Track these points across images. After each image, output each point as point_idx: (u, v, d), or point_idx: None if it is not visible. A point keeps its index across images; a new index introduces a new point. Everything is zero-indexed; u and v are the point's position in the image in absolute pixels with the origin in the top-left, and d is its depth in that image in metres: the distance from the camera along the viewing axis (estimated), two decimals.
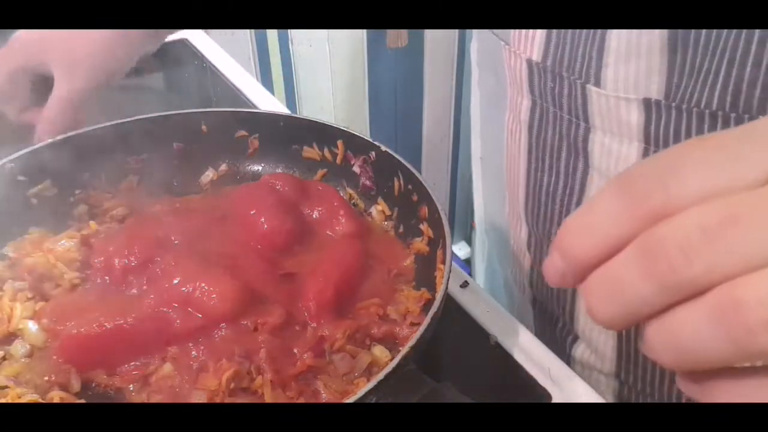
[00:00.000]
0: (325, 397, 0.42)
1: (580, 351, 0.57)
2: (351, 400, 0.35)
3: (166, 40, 0.95)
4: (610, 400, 0.53)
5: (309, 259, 0.51)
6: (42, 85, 0.59)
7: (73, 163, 0.56)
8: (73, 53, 0.57)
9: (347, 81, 1.45)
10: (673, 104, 0.40)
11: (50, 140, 0.54)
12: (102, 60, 0.58)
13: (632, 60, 0.41)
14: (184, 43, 0.94)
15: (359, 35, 1.40)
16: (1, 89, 0.58)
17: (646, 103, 0.41)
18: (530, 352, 0.48)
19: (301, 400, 0.41)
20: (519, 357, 0.48)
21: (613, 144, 0.45)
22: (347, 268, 0.49)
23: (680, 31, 0.38)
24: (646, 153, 0.44)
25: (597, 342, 0.54)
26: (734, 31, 0.36)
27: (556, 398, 0.45)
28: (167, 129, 0.59)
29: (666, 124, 0.41)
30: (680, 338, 0.21)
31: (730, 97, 0.38)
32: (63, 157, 0.55)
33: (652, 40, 0.39)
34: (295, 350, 0.43)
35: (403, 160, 0.53)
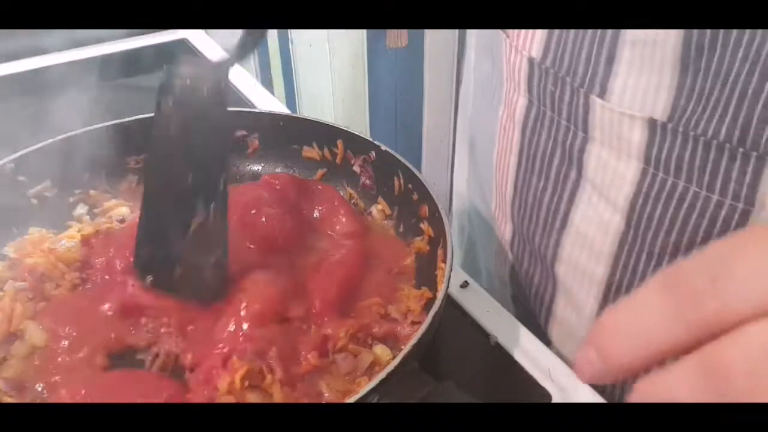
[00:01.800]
0: (327, 396, 0.42)
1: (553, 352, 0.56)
2: (353, 398, 0.35)
3: (166, 40, 0.95)
4: None
5: (310, 259, 0.51)
6: None
7: (73, 163, 0.56)
8: None
9: (347, 81, 1.45)
10: (679, 129, 0.39)
11: (50, 140, 0.54)
12: None
13: (644, 73, 0.39)
14: (184, 43, 0.94)
15: (359, 35, 1.40)
16: None
17: (651, 124, 0.40)
18: (530, 352, 0.48)
19: (305, 400, 0.41)
20: (519, 357, 0.48)
21: (611, 159, 0.43)
22: (350, 268, 0.49)
23: (693, 52, 0.36)
24: (644, 173, 0.42)
25: (569, 353, 0.54)
26: (748, 64, 0.34)
27: (556, 398, 0.45)
28: None
29: (669, 148, 0.40)
30: None
31: (738, 131, 0.36)
32: (63, 157, 0.55)
33: (665, 55, 0.37)
34: (301, 350, 0.43)
35: (403, 160, 0.53)
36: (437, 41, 1.49)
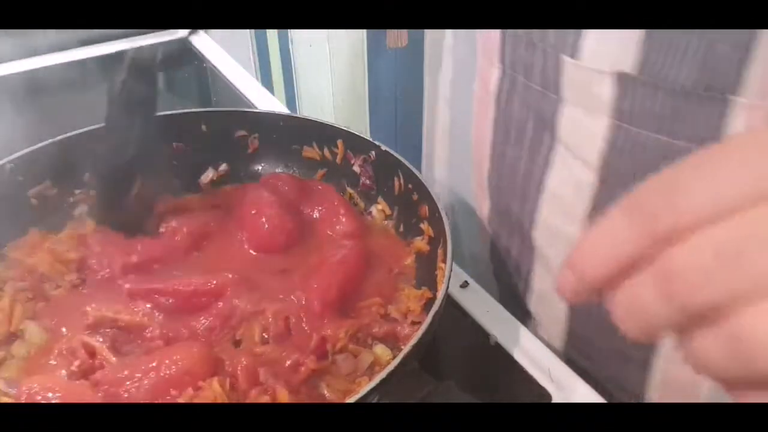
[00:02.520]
0: (328, 396, 0.42)
1: (532, 326, 0.57)
2: (354, 398, 0.35)
3: (166, 39, 0.95)
4: None
5: (310, 259, 0.51)
6: None
7: (73, 163, 0.56)
8: None
9: (347, 81, 1.45)
10: (648, 80, 0.40)
11: (50, 140, 0.54)
12: None
13: (611, 30, 0.40)
14: (184, 43, 0.94)
15: (359, 35, 1.40)
16: None
17: (620, 77, 0.41)
18: (530, 352, 0.48)
19: (307, 402, 0.41)
20: (519, 357, 0.48)
21: (583, 118, 0.45)
22: (350, 268, 0.49)
23: None
24: (615, 128, 0.43)
25: (547, 321, 0.55)
26: None
27: (556, 398, 0.45)
28: (167, 129, 0.59)
29: (638, 101, 0.41)
30: (700, 358, 0.22)
31: (703, 75, 0.37)
32: (63, 157, 0.55)
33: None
34: (297, 355, 0.43)
35: (403, 160, 0.54)
36: (437, 41, 1.48)
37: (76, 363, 0.42)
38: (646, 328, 0.23)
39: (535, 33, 0.45)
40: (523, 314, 0.57)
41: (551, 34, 0.44)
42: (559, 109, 0.46)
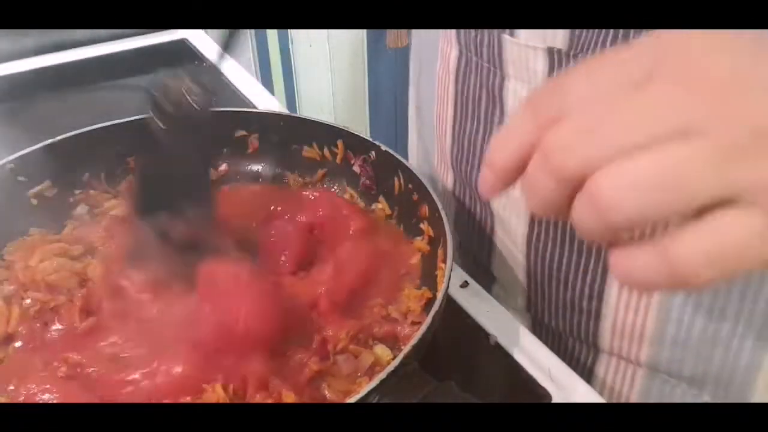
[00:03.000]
0: (329, 397, 0.42)
1: (495, 290, 0.60)
2: (354, 398, 0.35)
3: (166, 40, 0.95)
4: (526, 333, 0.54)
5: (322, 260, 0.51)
6: None
7: (73, 163, 0.56)
8: None
9: (347, 81, 1.45)
10: (576, 54, 0.43)
11: (50, 140, 0.54)
12: None
13: None
14: (184, 43, 0.94)
15: (359, 35, 1.40)
16: None
17: (550, 52, 0.44)
18: (530, 352, 0.48)
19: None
20: (519, 357, 0.48)
21: (524, 91, 0.48)
22: (359, 270, 0.49)
23: None
24: None
25: (508, 281, 0.58)
26: None
27: (556, 398, 0.45)
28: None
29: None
30: (578, 223, 0.25)
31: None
32: (63, 157, 0.55)
33: None
34: (301, 355, 0.43)
35: (403, 160, 0.54)
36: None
37: (62, 369, 0.42)
38: (541, 202, 0.27)
39: None
40: (487, 279, 0.60)
41: None
42: (504, 85, 0.49)
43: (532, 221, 0.52)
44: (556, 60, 0.45)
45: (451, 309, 0.51)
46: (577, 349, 0.55)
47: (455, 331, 0.50)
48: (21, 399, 0.39)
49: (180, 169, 0.45)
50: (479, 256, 0.61)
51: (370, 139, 0.56)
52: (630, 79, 0.25)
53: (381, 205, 0.57)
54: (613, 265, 0.26)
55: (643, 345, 0.49)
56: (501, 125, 0.51)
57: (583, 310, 0.52)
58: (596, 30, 0.42)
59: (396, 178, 0.55)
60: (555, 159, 0.25)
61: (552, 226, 0.50)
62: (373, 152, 0.56)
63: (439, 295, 0.42)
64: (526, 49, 0.46)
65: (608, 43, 0.41)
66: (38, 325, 0.45)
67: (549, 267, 0.52)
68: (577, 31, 0.43)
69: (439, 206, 0.49)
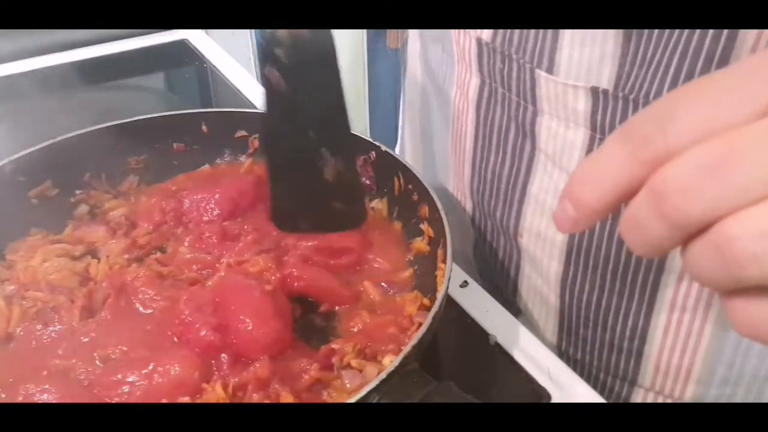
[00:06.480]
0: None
1: (521, 321, 0.56)
2: (354, 398, 0.35)
3: (166, 40, 0.95)
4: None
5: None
6: None
7: (74, 164, 0.56)
8: None
9: (347, 81, 1.45)
10: (621, 94, 0.40)
11: (50, 140, 0.54)
12: None
13: (587, 45, 0.41)
14: (184, 43, 0.94)
15: (359, 35, 1.40)
16: None
17: (594, 92, 0.42)
18: (530, 352, 0.48)
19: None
20: (519, 357, 0.48)
21: (560, 129, 0.45)
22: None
23: None
24: (592, 140, 0.44)
25: (537, 317, 0.55)
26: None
27: (556, 398, 0.45)
28: (167, 129, 0.59)
29: (613, 113, 0.41)
30: (694, 269, 0.23)
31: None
32: (63, 157, 0.55)
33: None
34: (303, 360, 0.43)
35: (403, 160, 0.54)
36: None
37: (62, 369, 0.42)
38: (647, 245, 0.24)
39: (513, 47, 0.45)
40: (512, 310, 0.57)
41: (528, 47, 0.44)
42: (537, 120, 0.47)
43: (568, 262, 0.49)
44: (601, 100, 0.42)
45: (451, 309, 0.51)
46: (609, 383, 0.52)
47: (455, 331, 0.50)
48: (20, 399, 0.39)
49: (315, 110, 0.41)
50: (503, 289, 0.58)
51: (370, 139, 0.56)
52: (752, 108, 0.21)
53: (381, 206, 0.57)
54: (734, 318, 0.23)
55: (689, 384, 0.47)
56: (532, 160, 0.49)
57: (623, 349, 0.49)
58: (645, 68, 0.39)
59: (396, 179, 0.55)
60: (672, 202, 0.22)
61: (591, 270, 0.48)
62: (373, 152, 0.56)
63: (439, 296, 0.42)
64: (564, 87, 0.43)
65: (656, 83, 0.38)
66: (38, 325, 0.45)
67: (586, 309, 0.50)
68: (624, 70, 0.40)
69: (439, 207, 0.49)
